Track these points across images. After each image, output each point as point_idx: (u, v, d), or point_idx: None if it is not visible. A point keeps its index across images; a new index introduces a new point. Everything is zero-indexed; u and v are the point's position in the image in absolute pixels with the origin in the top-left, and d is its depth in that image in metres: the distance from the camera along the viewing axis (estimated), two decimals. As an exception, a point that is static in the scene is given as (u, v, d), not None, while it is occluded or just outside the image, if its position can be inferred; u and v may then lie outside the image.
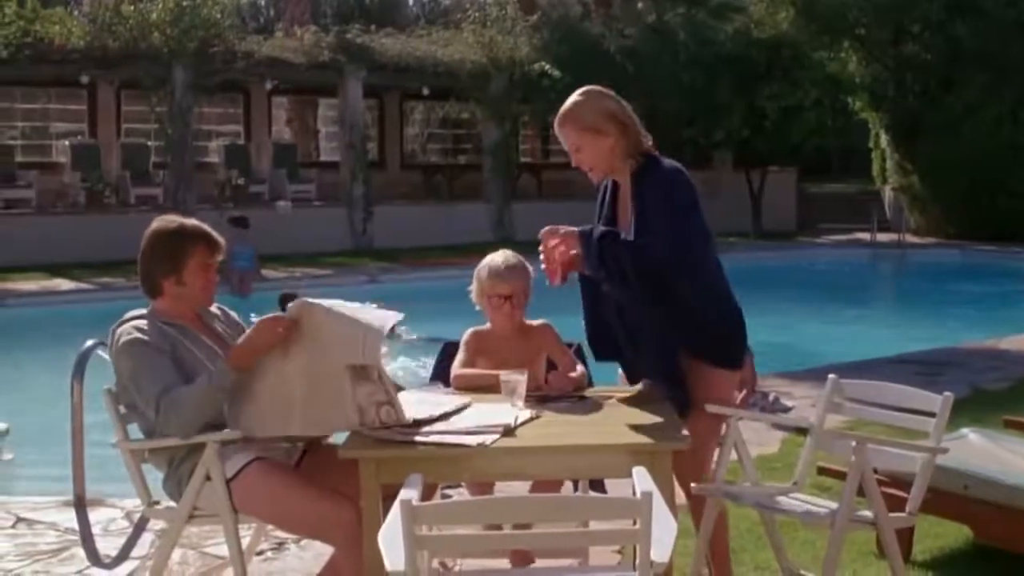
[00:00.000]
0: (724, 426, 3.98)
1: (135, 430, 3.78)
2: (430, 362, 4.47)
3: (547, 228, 3.76)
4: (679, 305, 3.76)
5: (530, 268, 4.12)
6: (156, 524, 4.54)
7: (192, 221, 3.88)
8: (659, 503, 2.45)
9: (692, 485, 4.03)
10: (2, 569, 4.64)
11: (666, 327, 3.76)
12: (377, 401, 3.37)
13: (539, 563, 3.92)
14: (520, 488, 4.31)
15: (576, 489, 4.17)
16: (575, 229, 3.77)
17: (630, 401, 3.78)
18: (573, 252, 3.74)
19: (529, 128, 24.87)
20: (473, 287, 4.09)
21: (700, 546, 4.02)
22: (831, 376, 4.12)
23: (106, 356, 3.86)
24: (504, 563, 3.88)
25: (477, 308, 4.11)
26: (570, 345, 4.11)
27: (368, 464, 3.27)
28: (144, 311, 3.79)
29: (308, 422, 3.47)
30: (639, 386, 3.91)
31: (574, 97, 3.87)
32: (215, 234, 3.87)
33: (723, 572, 4.08)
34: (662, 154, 3.92)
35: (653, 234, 3.69)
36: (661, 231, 3.68)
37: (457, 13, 24.78)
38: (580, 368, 4.00)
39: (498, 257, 4.09)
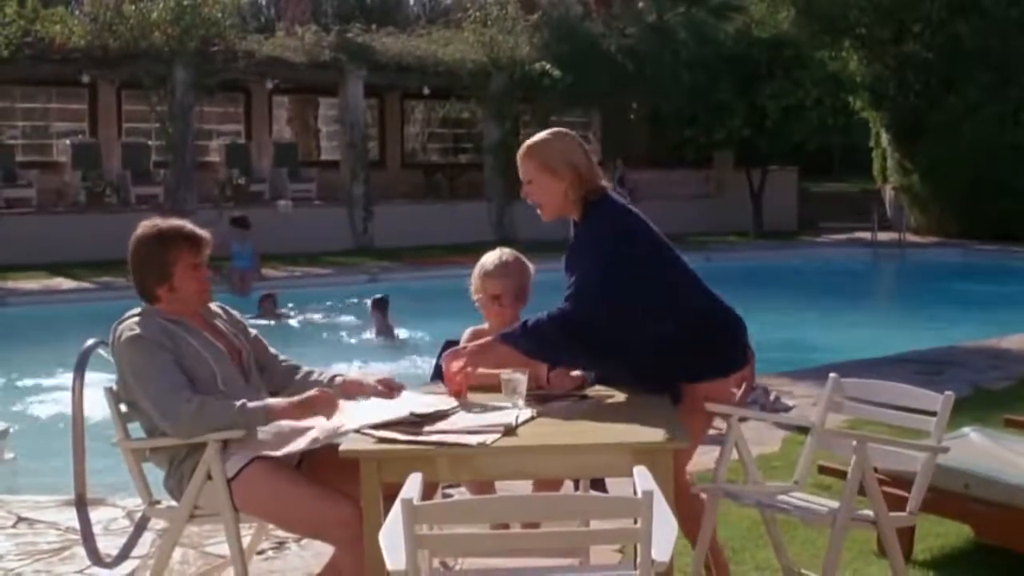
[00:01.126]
0: (726, 426, 3.98)
1: (136, 429, 3.78)
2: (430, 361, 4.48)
3: (448, 352, 3.79)
4: (643, 344, 3.77)
5: (530, 266, 4.13)
6: (157, 523, 4.54)
7: (170, 223, 3.82)
8: (660, 502, 2.45)
9: (692, 484, 4.04)
10: (3, 568, 4.64)
11: (644, 367, 3.78)
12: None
13: (540, 562, 3.91)
14: (521, 487, 4.31)
15: (577, 488, 4.17)
16: (484, 342, 3.80)
17: (631, 400, 3.78)
18: (479, 371, 3.74)
19: (530, 127, 24.87)
20: (471, 283, 4.12)
21: (700, 546, 4.02)
22: (832, 375, 4.12)
23: (107, 355, 3.86)
24: (505, 563, 3.87)
25: (476, 305, 4.12)
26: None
27: (369, 463, 3.27)
28: (145, 308, 3.79)
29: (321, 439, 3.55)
30: None
31: (543, 134, 3.97)
32: (196, 231, 3.82)
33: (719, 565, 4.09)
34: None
35: (577, 287, 3.72)
36: (588, 282, 3.72)
37: (458, 12, 24.78)
38: (581, 367, 4.00)
39: (492, 256, 4.11)
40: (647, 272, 3.80)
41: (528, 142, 3.94)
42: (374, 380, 3.85)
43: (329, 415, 3.57)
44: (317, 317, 13.54)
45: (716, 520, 4.09)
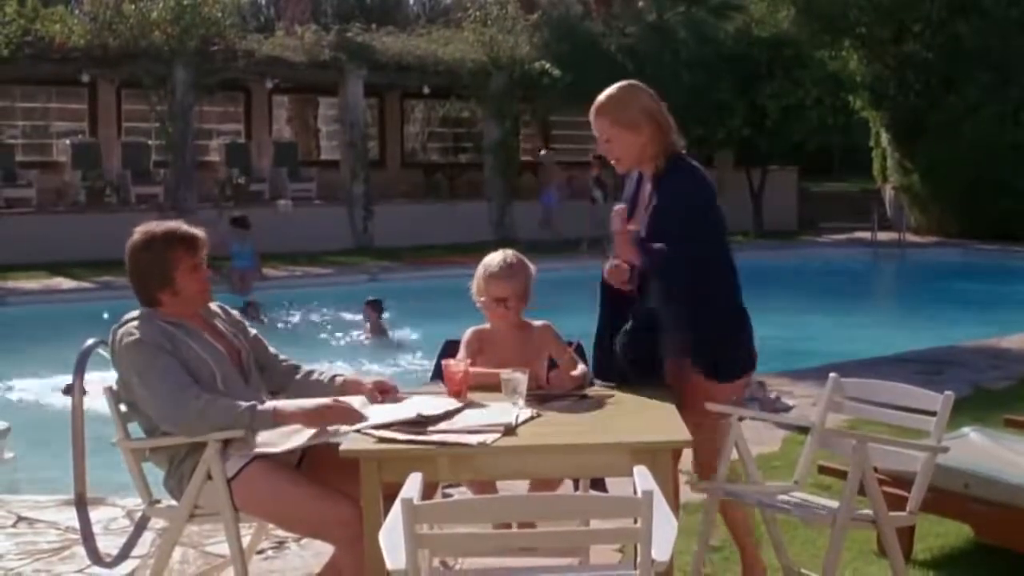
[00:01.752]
0: (727, 425, 3.98)
1: (136, 428, 3.78)
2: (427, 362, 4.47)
3: (448, 362, 3.79)
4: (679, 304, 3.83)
5: (531, 267, 4.12)
6: (157, 523, 4.54)
7: (164, 227, 3.80)
8: (660, 502, 2.45)
9: (693, 483, 4.05)
10: (3, 568, 4.64)
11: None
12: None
13: (540, 561, 3.91)
14: (522, 487, 4.31)
15: (577, 488, 4.17)
16: (623, 236, 3.80)
17: (631, 400, 3.78)
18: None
19: (530, 126, 24.87)
20: (473, 285, 4.09)
21: (700, 545, 4.02)
22: (832, 375, 4.12)
23: (107, 355, 3.85)
24: (505, 562, 3.87)
25: (478, 306, 4.11)
26: (571, 344, 4.11)
27: (369, 463, 3.27)
28: (144, 311, 3.78)
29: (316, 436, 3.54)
30: None
31: (614, 88, 3.90)
32: (191, 231, 3.80)
33: (747, 552, 4.10)
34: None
35: (666, 238, 3.75)
36: (673, 234, 3.74)
37: (458, 12, 24.77)
38: (581, 367, 4.00)
39: (496, 257, 4.07)
40: (722, 243, 3.88)
41: (598, 99, 3.88)
42: (370, 382, 3.84)
43: (340, 423, 3.50)
44: (312, 319, 13.49)
45: (748, 520, 4.10)
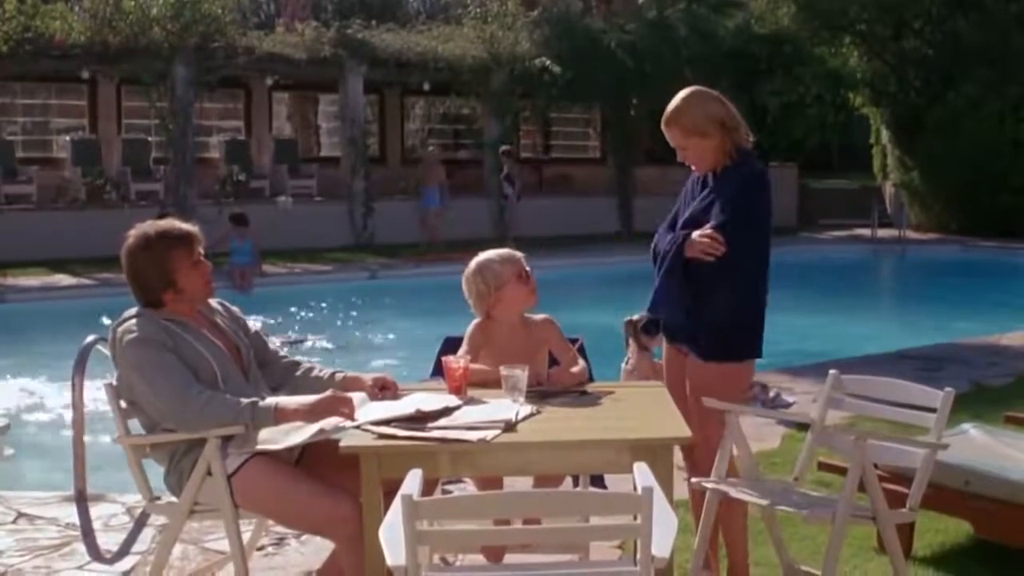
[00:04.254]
0: (727, 422, 3.98)
1: (136, 425, 3.78)
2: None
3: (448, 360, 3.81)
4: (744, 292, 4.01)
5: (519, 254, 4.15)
6: (157, 519, 4.54)
7: (158, 227, 3.77)
8: (660, 499, 2.45)
9: (692, 480, 4.05)
10: (3, 564, 4.64)
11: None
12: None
13: (540, 558, 3.91)
14: (524, 484, 4.31)
15: (577, 484, 4.18)
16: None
17: (631, 396, 3.78)
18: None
19: (530, 123, 24.86)
20: (478, 286, 4.03)
21: (700, 542, 4.02)
22: (832, 372, 4.12)
23: (106, 351, 3.85)
24: (505, 559, 3.88)
25: (473, 310, 4.09)
26: (572, 340, 4.11)
27: (369, 459, 3.27)
28: (142, 309, 3.77)
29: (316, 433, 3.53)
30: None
31: (680, 99, 4.06)
32: (184, 227, 3.78)
33: (737, 557, 4.11)
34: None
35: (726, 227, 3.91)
36: (722, 222, 3.91)
37: (458, 8, 24.74)
38: (581, 363, 4.00)
39: (491, 252, 4.09)
40: (767, 238, 4.03)
41: (668, 110, 4.05)
42: (370, 378, 3.84)
43: (332, 415, 3.50)
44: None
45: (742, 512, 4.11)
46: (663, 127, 4.06)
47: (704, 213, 3.99)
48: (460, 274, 4.14)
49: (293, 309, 13.42)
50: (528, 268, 4.07)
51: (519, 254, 4.10)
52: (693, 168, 4.14)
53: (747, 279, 3.98)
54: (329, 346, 11.59)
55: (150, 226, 3.80)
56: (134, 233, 3.78)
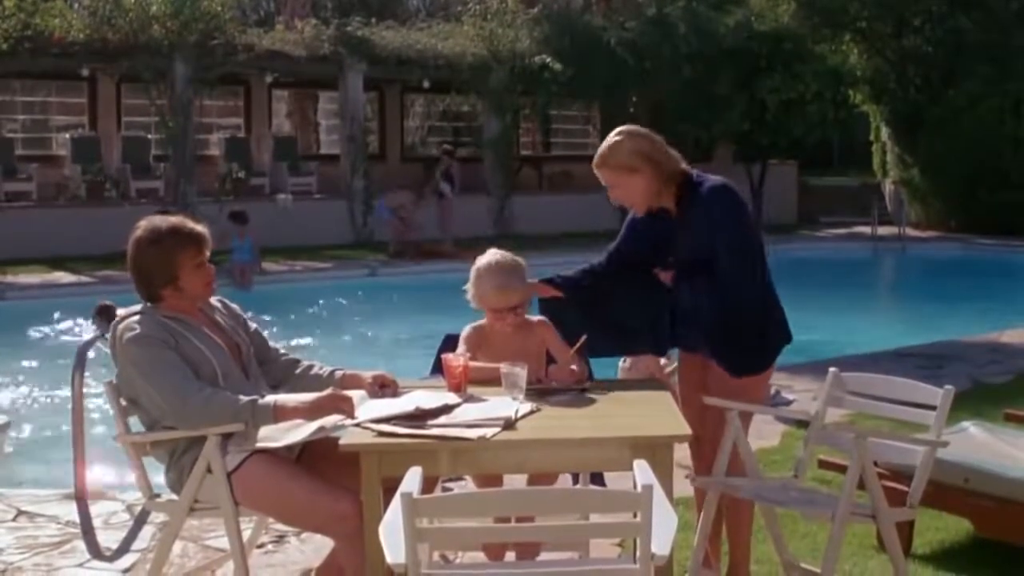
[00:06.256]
0: (726, 420, 3.99)
1: (136, 423, 3.78)
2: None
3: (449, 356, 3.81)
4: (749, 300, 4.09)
5: (523, 263, 4.10)
6: (157, 517, 4.55)
7: (169, 223, 3.75)
8: (659, 496, 2.45)
9: (693, 477, 4.05)
10: (3, 562, 4.64)
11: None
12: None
13: (539, 556, 3.92)
14: (523, 481, 4.31)
15: (576, 482, 4.17)
16: None
17: (631, 394, 3.78)
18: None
19: (530, 121, 24.84)
20: (470, 291, 4.02)
21: (699, 539, 4.03)
22: (832, 369, 4.12)
23: (106, 349, 3.85)
24: (505, 556, 3.88)
25: (473, 307, 4.08)
26: (575, 339, 4.10)
27: (369, 457, 3.27)
28: (144, 306, 3.77)
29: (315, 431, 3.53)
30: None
31: (609, 138, 4.10)
32: (197, 228, 3.76)
33: (739, 556, 4.11)
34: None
35: (720, 254, 3.94)
36: (723, 248, 3.94)
37: (457, 6, 24.72)
38: (580, 362, 3.99)
39: (495, 264, 4.00)
40: (758, 248, 4.08)
41: (598, 151, 4.09)
42: (369, 376, 3.83)
43: (332, 413, 3.50)
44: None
45: (750, 525, 4.11)
46: (595, 169, 4.10)
47: (695, 248, 4.02)
48: (459, 271, 4.13)
49: (293, 306, 13.42)
50: (515, 303, 3.97)
51: (513, 278, 4.00)
52: (631, 209, 4.17)
53: (757, 291, 4.12)
54: (329, 343, 11.59)
55: (162, 220, 3.77)
56: (144, 225, 3.75)
